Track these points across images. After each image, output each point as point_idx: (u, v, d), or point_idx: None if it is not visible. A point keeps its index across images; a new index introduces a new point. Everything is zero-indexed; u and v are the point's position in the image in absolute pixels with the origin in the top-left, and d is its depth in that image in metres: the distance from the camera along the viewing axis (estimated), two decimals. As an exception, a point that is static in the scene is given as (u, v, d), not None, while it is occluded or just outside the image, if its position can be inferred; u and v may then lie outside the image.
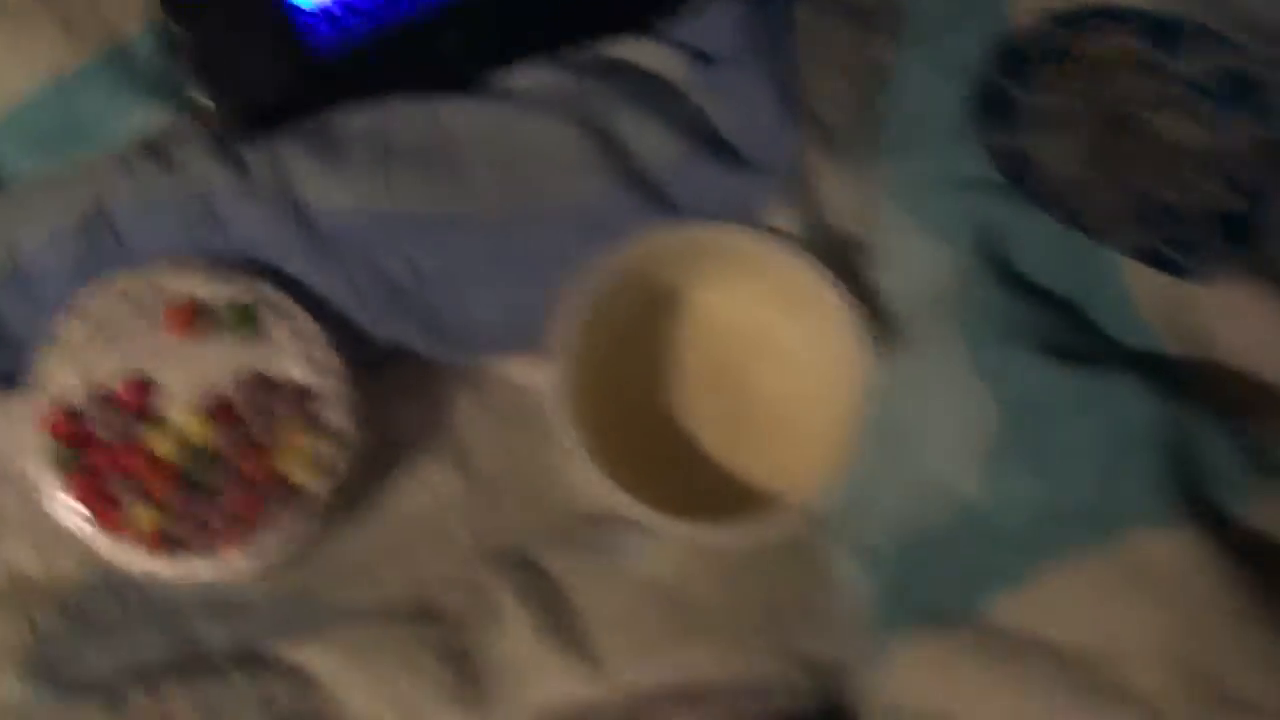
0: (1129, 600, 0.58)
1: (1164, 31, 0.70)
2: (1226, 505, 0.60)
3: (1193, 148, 0.67)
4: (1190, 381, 0.62)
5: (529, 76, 0.74)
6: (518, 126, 0.71)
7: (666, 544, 0.67)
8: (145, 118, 0.74)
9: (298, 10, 0.74)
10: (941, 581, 0.62)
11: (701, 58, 0.74)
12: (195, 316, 0.69)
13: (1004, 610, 0.60)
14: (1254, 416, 0.61)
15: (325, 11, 0.74)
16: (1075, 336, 0.64)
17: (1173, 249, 0.64)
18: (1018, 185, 0.66)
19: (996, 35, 0.70)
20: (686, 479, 0.70)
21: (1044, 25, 0.70)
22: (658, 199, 0.71)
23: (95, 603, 0.69)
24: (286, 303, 0.69)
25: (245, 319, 0.69)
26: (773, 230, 0.70)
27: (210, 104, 0.74)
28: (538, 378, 0.72)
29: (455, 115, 0.72)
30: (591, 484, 0.67)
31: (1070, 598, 0.59)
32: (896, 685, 0.62)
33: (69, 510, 0.68)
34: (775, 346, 0.73)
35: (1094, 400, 0.61)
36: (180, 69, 0.75)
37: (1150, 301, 0.64)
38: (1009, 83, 0.68)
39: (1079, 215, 0.65)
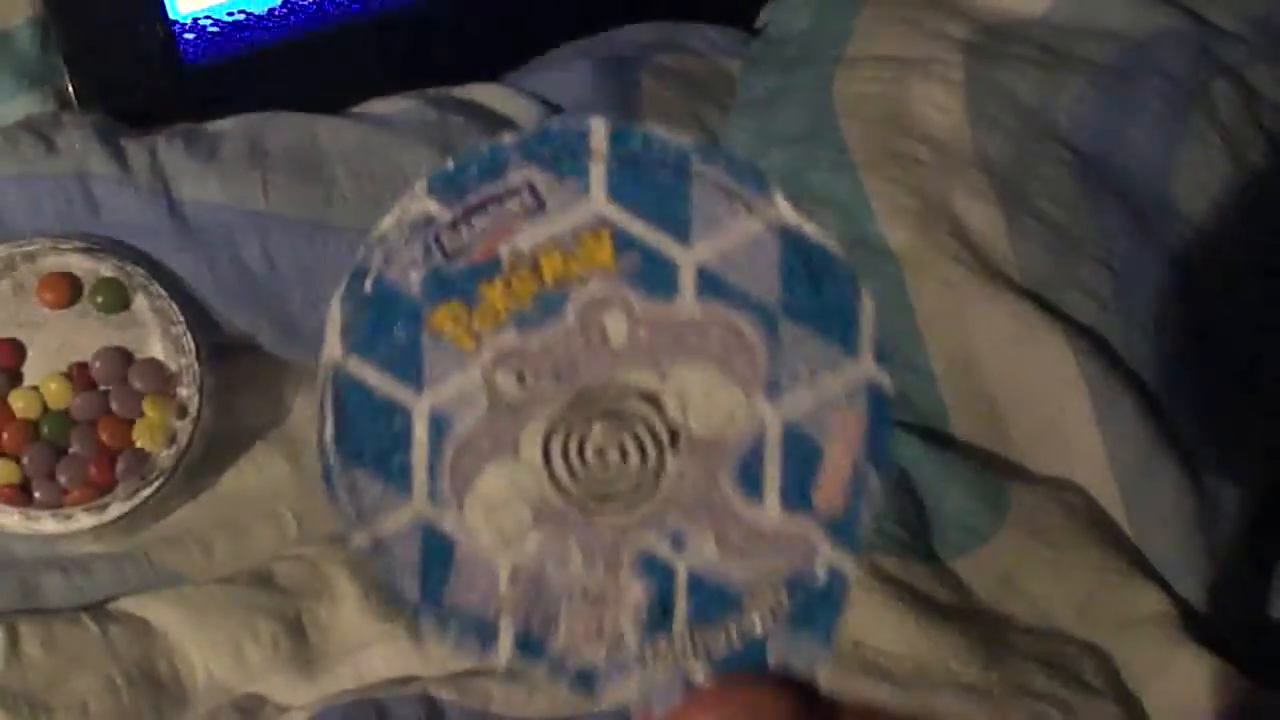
0: None
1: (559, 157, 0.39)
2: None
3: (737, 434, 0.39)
4: None
5: (392, 105, 0.80)
6: (385, 147, 0.78)
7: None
8: (23, 104, 0.79)
9: (173, 20, 0.80)
10: None
11: (550, 107, 0.81)
12: (68, 290, 0.74)
13: None
14: None
15: (199, 24, 0.80)
16: None
17: None
18: None
19: (817, 107, 0.78)
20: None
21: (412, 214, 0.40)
22: (506, 226, 0.77)
23: (-61, 547, 0.73)
24: (153, 285, 0.74)
25: (114, 296, 0.74)
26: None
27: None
28: (370, 384, 0.79)
29: (329, 130, 0.78)
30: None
31: None
32: None
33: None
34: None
35: None
36: (61, 64, 0.80)
37: None
38: (379, 375, 0.39)
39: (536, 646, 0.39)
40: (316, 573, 0.72)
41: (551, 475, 0.38)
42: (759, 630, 0.38)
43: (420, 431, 0.38)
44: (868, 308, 0.38)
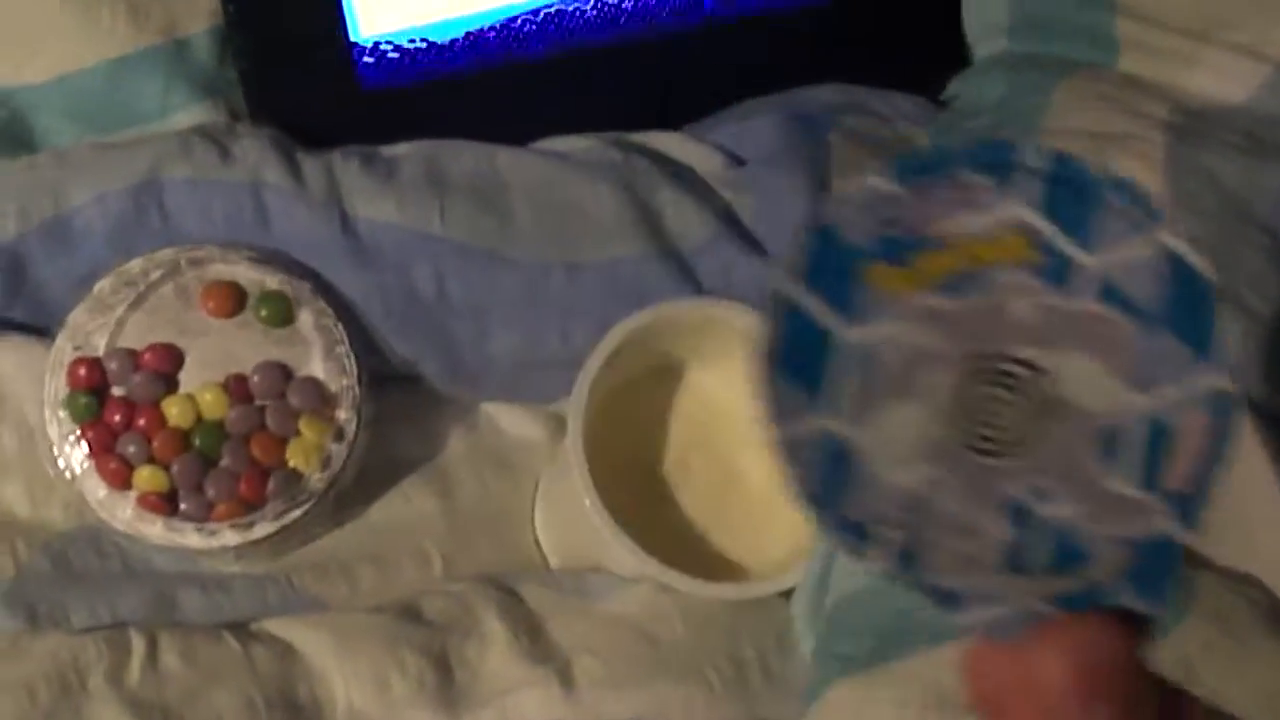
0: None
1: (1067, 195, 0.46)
2: None
3: (1106, 414, 0.45)
4: None
5: (570, 143, 0.78)
6: (566, 182, 0.76)
7: (640, 589, 0.71)
8: (195, 113, 0.77)
9: (353, 42, 0.78)
10: (865, 635, 0.67)
11: (732, 158, 0.79)
12: (232, 300, 0.72)
13: (920, 664, 0.64)
14: None
15: (379, 48, 0.78)
16: None
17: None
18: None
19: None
20: (667, 539, 0.73)
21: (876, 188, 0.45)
22: (685, 273, 0.75)
23: (76, 551, 0.71)
24: (319, 302, 0.72)
25: (278, 310, 0.72)
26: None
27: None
28: (528, 430, 0.77)
29: (509, 161, 0.76)
30: (592, 525, 0.70)
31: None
32: None
33: (74, 458, 0.70)
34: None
35: None
36: (235, 75, 0.79)
37: None
38: (820, 305, 0.44)
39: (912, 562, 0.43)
40: (466, 609, 0.70)
41: (946, 416, 0.44)
42: (1103, 581, 0.43)
43: (844, 355, 0.44)
44: (1227, 329, 0.45)
